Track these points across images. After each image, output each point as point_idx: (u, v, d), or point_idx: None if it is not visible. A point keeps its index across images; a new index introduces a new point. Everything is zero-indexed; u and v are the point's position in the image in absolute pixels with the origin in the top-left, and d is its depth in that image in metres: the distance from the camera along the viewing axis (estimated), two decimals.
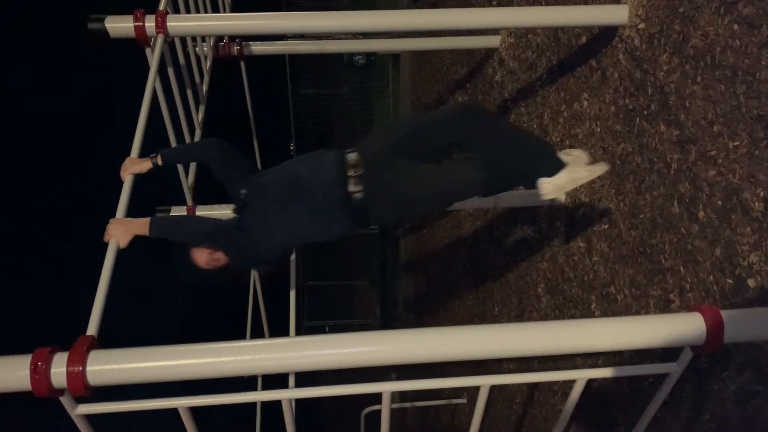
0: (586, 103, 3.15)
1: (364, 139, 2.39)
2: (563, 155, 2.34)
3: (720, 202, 2.16)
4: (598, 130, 3.01)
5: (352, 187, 2.23)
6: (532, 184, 2.36)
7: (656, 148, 2.53)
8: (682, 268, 2.38)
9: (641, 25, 2.61)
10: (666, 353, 1.93)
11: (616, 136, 2.84)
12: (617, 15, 2.71)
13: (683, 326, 1.63)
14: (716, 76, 2.16)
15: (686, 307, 2.33)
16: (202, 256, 2.34)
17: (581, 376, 1.76)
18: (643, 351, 2.37)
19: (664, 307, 2.49)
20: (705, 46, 2.21)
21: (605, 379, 2.82)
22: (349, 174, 2.24)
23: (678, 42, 2.37)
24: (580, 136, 3.22)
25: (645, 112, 2.61)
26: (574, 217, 3.28)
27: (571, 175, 2.31)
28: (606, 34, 2.91)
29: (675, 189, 2.41)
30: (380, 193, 2.27)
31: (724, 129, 2.12)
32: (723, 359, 2.12)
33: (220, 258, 2.33)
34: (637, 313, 2.68)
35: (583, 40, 3.17)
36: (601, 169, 2.38)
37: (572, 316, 3.35)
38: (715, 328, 1.61)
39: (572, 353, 1.69)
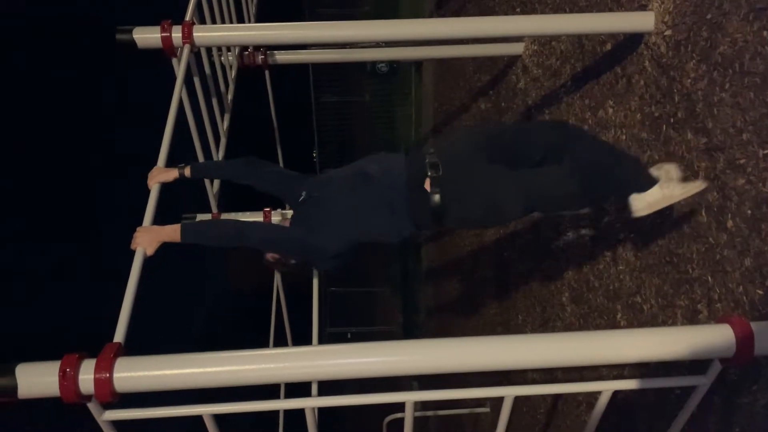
0: (611, 110, 3.12)
1: (443, 141, 2.34)
2: (654, 170, 2.24)
3: (749, 212, 2.12)
4: (624, 137, 2.98)
5: (428, 188, 2.18)
6: (623, 198, 2.26)
7: (683, 156, 2.50)
8: (710, 278, 2.34)
9: (668, 32, 2.59)
10: (694, 365, 1.89)
11: (642, 143, 2.81)
12: (643, 22, 2.69)
13: (712, 338, 1.61)
14: (745, 83, 2.13)
15: (714, 318, 2.29)
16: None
17: (607, 387, 1.74)
18: (671, 362, 2.34)
19: (692, 317, 2.45)
20: (733, 53, 2.18)
21: (631, 391, 2.78)
22: (429, 174, 2.19)
23: (705, 49, 2.34)
24: None
25: (672, 120, 2.58)
26: (600, 225, 3.25)
27: (665, 192, 2.21)
28: (631, 41, 2.88)
29: (702, 197, 2.37)
30: (462, 197, 2.20)
31: (754, 137, 2.09)
32: (753, 372, 2.08)
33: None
34: (664, 323, 2.64)
35: (608, 47, 3.14)
36: (697, 186, 2.22)
37: (597, 326, 3.31)
38: (744, 340, 1.58)
39: (597, 364, 1.67)
